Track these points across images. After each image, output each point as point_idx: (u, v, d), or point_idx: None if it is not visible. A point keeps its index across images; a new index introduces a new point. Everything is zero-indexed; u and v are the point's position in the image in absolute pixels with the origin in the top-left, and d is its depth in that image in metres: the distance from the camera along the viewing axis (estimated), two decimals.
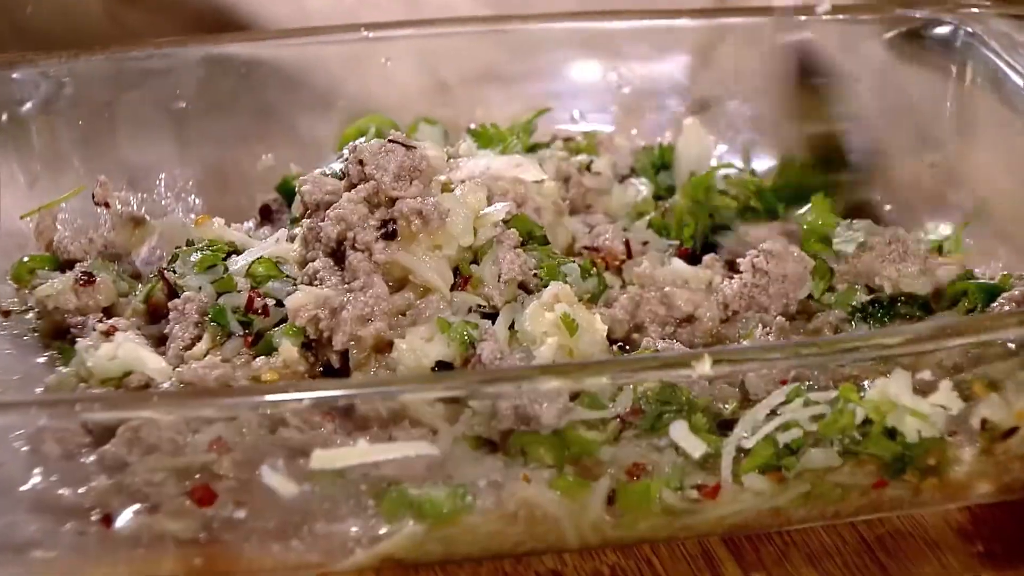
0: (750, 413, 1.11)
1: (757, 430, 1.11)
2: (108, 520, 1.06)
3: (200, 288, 1.29)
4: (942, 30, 1.60)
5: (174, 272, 1.34)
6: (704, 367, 1.10)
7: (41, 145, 1.55)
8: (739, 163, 1.67)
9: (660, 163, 1.65)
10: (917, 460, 1.13)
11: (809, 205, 1.50)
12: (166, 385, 1.20)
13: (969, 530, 1.22)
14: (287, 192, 1.56)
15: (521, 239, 1.30)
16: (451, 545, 1.12)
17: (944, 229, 1.54)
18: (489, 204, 1.29)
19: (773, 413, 1.11)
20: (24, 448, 1.06)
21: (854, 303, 1.38)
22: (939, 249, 1.51)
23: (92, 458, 1.08)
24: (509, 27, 1.62)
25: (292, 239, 1.34)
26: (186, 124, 1.63)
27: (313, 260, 1.29)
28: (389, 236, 1.24)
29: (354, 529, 1.09)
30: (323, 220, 1.28)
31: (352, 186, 1.30)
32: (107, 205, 1.53)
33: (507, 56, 1.52)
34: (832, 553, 1.20)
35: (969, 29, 1.58)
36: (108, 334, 1.27)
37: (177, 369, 1.23)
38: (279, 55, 1.65)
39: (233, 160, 1.65)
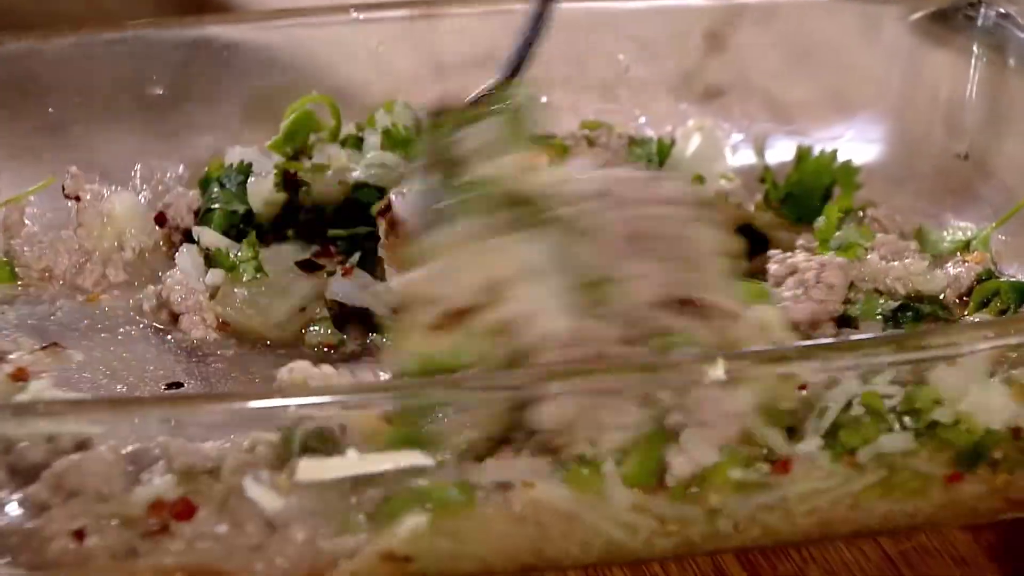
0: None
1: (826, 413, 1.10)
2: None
3: None
4: (970, 11, 1.59)
5: None
6: (717, 371, 1.10)
7: (6, 133, 1.54)
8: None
9: (658, 159, 1.63)
10: (990, 450, 1.13)
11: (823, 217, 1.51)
12: None
13: (1000, 551, 1.21)
14: (205, 187, 1.56)
15: None
16: (460, 543, 1.10)
17: (968, 224, 1.55)
18: None
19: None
20: None
21: (880, 312, 1.39)
22: (966, 246, 1.50)
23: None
24: (512, 7, 1.59)
25: None
26: (164, 112, 1.61)
27: None
28: None
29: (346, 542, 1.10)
30: None
31: None
32: (78, 199, 1.52)
33: (507, 39, 1.51)
34: (853, 569, 1.19)
35: (1001, 10, 1.57)
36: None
37: None
38: (263, 38, 1.63)
39: (215, 151, 1.61)
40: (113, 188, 1.56)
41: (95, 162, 1.58)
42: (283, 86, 1.63)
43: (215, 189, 1.55)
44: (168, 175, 1.62)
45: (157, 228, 1.56)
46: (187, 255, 1.49)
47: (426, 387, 1.12)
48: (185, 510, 1.07)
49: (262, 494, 1.07)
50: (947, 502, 1.18)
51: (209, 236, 1.51)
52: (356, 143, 1.62)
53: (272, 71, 1.64)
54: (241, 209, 1.52)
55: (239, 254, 1.44)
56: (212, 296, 1.45)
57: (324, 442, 1.09)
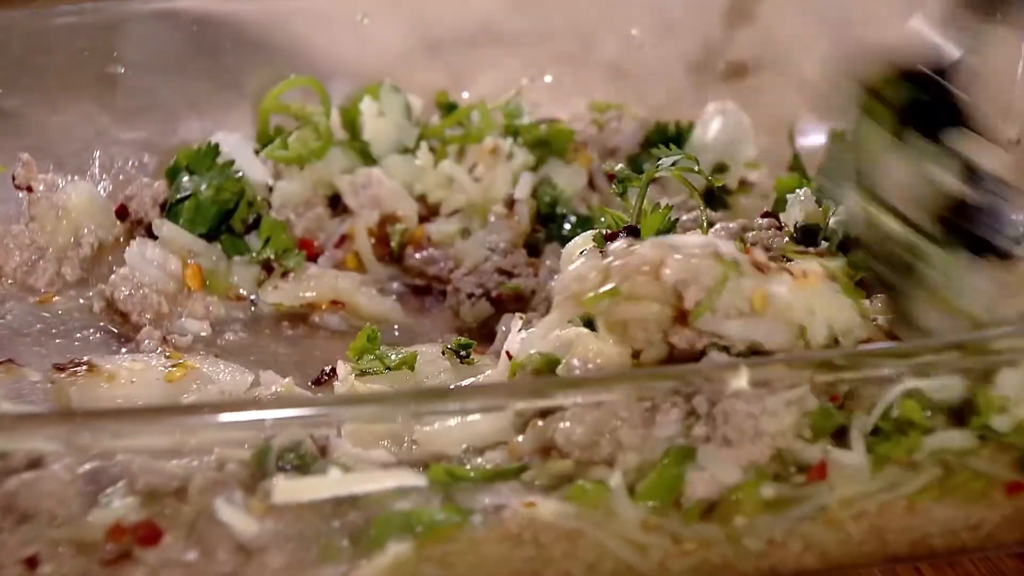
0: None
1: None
2: None
3: None
4: None
5: None
6: (740, 381, 1.09)
7: None
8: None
9: (674, 145, 1.63)
10: None
11: None
12: None
13: None
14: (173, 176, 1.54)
15: None
16: (449, 569, 1.08)
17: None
18: None
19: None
20: None
21: None
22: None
23: None
24: None
25: None
26: (125, 92, 1.60)
27: None
28: None
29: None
30: None
31: None
32: (30, 189, 1.50)
33: (506, 11, 1.50)
34: None
35: None
36: None
37: None
38: (235, 11, 1.61)
39: (182, 135, 1.61)
40: (69, 178, 1.53)
41: (49, 149, 1.55)
42: (256, 64, 1.62)
43: (184, 179, 1.52)
44: (131, 163, 1.61)
45: (119, 222, 1.53)
46: (137, 250, 1.45)
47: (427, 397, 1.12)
48: (149, 534, 1.06)
49: (235, 517, 1.06)
50: (1008, 514, 1.17)
51: (170, 230, 1.49)
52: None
53: (243, 48, 1.63)
54: (213, 203, 1.50)
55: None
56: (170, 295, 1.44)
57: (303, 459, 1.08)
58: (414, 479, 1.08)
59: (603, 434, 1.09)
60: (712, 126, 1.65)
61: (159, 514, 1.06)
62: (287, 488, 1.06)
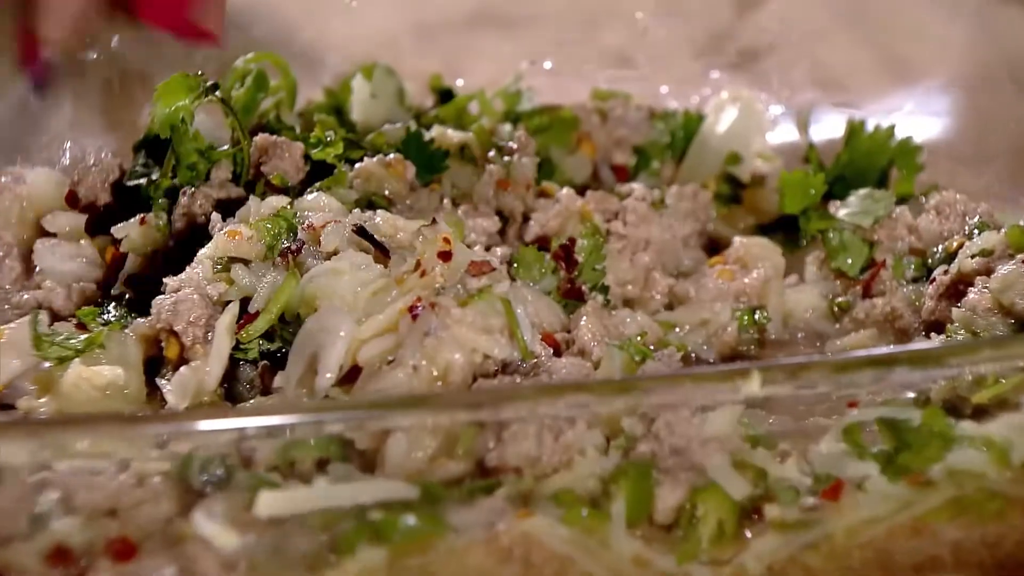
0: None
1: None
2: None
3: None
4: None
5: None
6: (753, 386, 1.08)
7: None
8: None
9: (683, 135, 1.61)
10: None
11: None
12: None
13: None
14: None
15: None
16: None
17: None
18: None
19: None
20: None
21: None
22: None
23: None
24: None
25: None
26: (100, 80, 1.59)
27: None
28: None
29: None
30: None
31: None
32: None
33: None
34: None
35: None
36: None
37: None
38: None
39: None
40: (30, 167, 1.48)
41: (13, 141, 1.54)
42: (240, 47, 1.60)
43: (140, 159, 1.45)
44: (104, 154, 1.59)
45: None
46: (47, 252, 1.41)
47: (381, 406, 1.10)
48: (124, 550, 1.05)
49: (214, 531, 1.05)
50: None
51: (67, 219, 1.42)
52: (330, 110, 1.59)
53: (228, 30, 1.61)
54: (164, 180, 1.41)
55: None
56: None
57: (230, 471, 1.06)
58: (405, 491, 1.06)
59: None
60: (725, 115, 1.63)
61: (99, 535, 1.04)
62: (271, 501, 1.04)
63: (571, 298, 1.35)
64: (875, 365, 1.10)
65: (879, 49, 1.66)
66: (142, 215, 1.36)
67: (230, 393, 1.24)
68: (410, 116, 1.58)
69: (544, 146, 1.59)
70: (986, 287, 1.29)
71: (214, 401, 1.22)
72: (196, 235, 1.34)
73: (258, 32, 1.63)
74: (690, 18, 1.66)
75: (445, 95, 1.66)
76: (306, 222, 1.26)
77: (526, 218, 1.45)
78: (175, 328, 1.22)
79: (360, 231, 1.24)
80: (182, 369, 1.20)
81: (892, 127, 1.59)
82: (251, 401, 1.22)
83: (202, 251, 1.27)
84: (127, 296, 1.36)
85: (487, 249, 1.36)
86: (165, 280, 1.26)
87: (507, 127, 1.56)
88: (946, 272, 1.36)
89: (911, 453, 1.13)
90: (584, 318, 1.30)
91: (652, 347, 1.31)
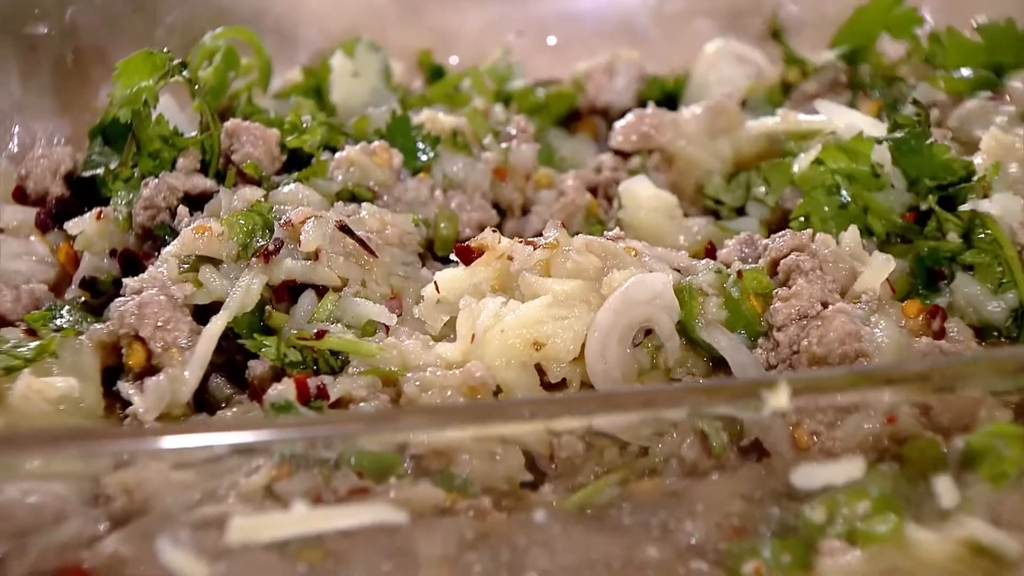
0: None
1: None
2: None
3: None
4: None
5: None
6: (780, 399, 1.07)
7: None
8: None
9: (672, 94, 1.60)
10: None
11: None
12: None
13: None
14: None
15: None
16: None
17: None
18: None
19: None
20: None
21: None
22: None
23: None
24: None
25: None
26: (52, 57, 1.58)
27: None
28: None
29: None
30: None
31: None
32: None
33: None
34: None
35: None
36: None
37: None
38: None
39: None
40: None
41: None
42: (209, 20, 1.59)
43: (96, 146, 1.43)
44: (56, 138, 1.58)
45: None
46: None
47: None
48: None
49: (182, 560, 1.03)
50: None
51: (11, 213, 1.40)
52: (307, 92, 1.57)
53: (195, 2, 1.60)
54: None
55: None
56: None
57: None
58: (392, 515, 1.06)
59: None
60: (717, 65, 1.62)
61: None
62: (244, 526, 1.03)
63: None
64: None
65: None
66: (99, 209, 1.34)
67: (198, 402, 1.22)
68: (396, 97, 1.56)
69: (541, 128, 1.56)
70: None
71: (185, 413, 1.21)
72: (160, 231, 1.33)
73: (227, 1, 1.61)
74: None
75: (436, 73, 1.65)
76: (284, 217, 1.24)
77: (525, 211, 1.43)
78: (141, 334, 1.19)
79: (344, 228, 1.23)
80: (158, 377, 1.18)
81: None
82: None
83: (167, 249, 1.26)
84: (82, 299, 1.33)
85: None
86: (125, 281, 1.24)
87: (499, 108, 1.55)
88: None
89: None
90: None
91: None
